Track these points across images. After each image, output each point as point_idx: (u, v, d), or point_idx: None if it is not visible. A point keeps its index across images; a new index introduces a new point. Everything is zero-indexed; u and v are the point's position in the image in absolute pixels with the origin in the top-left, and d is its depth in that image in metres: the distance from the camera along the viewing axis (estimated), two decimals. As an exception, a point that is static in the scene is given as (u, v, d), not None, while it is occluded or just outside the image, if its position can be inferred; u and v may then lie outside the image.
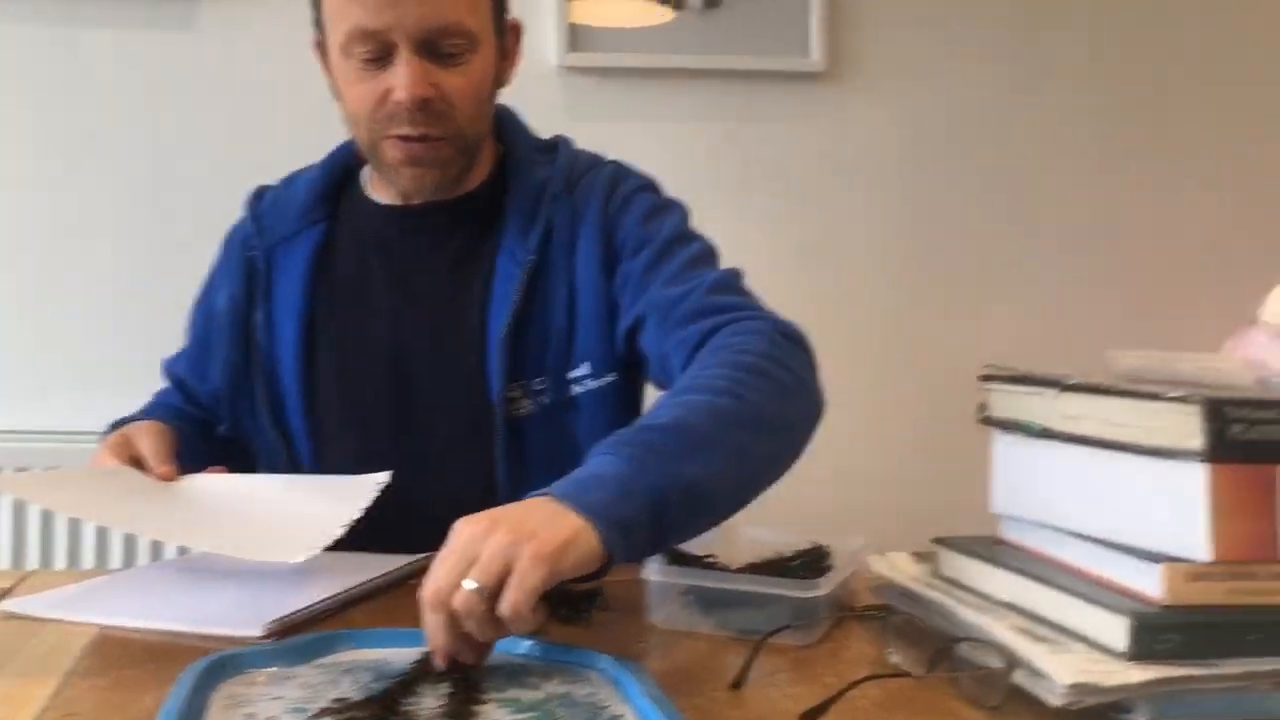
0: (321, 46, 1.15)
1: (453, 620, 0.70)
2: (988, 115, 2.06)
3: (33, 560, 1.93)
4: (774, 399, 0.90)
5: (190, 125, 2.03)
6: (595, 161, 1.24)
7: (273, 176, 1.31)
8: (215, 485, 1.09)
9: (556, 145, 1.25)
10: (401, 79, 1.07)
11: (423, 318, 1.18)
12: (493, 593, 0.69)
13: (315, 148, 1.29)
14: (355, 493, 1.01)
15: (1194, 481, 0.69)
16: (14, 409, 1.98)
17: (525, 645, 0.78)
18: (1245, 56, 2.14)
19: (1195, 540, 0.69)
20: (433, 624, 0.71)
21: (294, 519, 1.01)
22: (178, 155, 2.03)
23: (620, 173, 1.22)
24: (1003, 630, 0.73)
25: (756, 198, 2.00)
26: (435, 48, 1.08)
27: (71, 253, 2.02)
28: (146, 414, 1.24)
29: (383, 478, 1.03)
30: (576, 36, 2.00)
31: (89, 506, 1.06)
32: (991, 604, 0.81)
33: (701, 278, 1.09)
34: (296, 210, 1.24)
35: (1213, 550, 0.69)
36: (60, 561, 1.94)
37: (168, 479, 1.08)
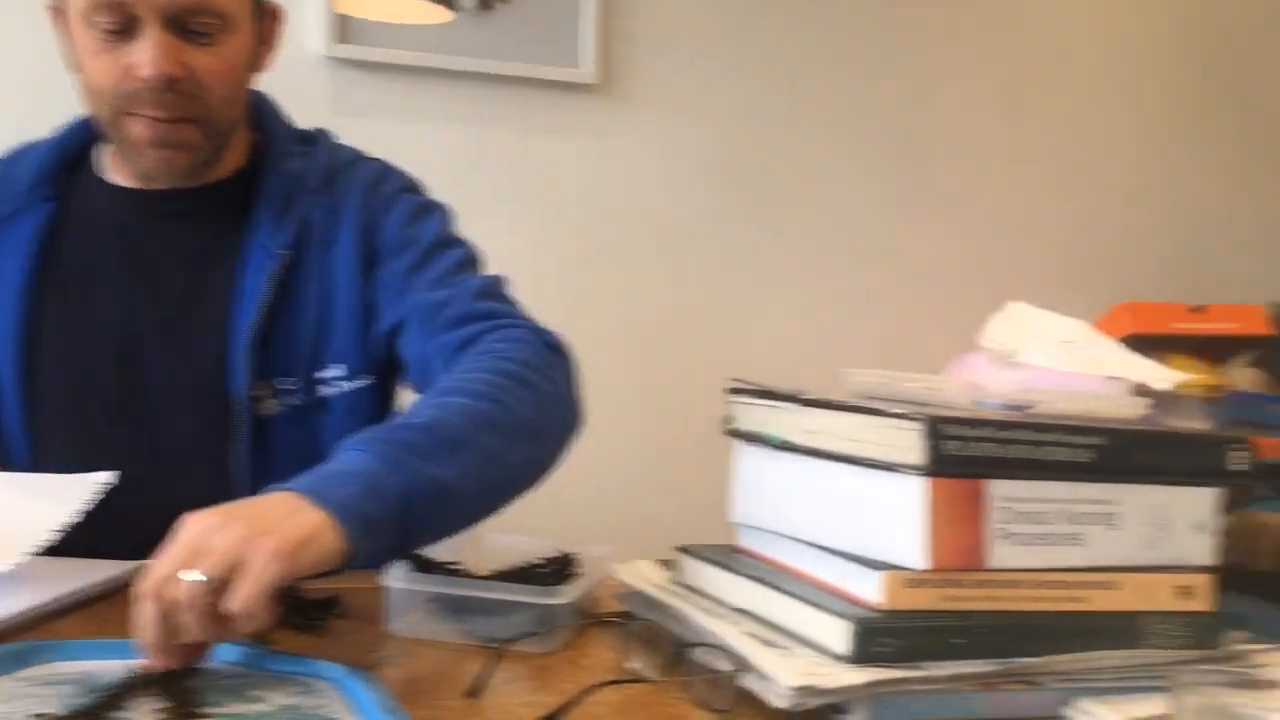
0: (58, 11, 1.07)
1: (169, 614, 0.66)
2: (751, 135, 2.13)
3: None
4: (533, 407, 0.90)
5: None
6: (357, 157, 1.20)
7: (-2, 149, 1.21)
8: None
9: (316, 138, 1.21)
10: (147, 55, 1.00)
11: (160, 309, 1.11)
12: (220, 586, 0.66)
13: (45, 120, 1.19)
14: (73, 493, 0.94)
15: (913, 494, 0.74)
16: None
17: (237, 653, 0.74)
18: (989, 92, 2.31)
19: (913, 549, 0.74)
20: (146, 615, 0.66)
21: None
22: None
23: (383, 171, 1.20)
24: (734, 635, 0.76)
25: (524, 205, 2.00)
26: (185, 25, 1.02)
27: None
28: None
29: (105, 477, 0.96)
30: (344, 27, 1.94)
31: None
32: (727, 610, 0.83)
33: (466, 283, 1.08)
34: (22, 186, 1.14)
35: (928, 559, 0.73)
36: None
37: None
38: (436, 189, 1.22)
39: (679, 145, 2.08)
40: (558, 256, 2.01)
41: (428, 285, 1.07)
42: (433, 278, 1.08)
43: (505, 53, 1.96)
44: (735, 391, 0.94)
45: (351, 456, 0.77)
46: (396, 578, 0.86)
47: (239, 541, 0.67)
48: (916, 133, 2.25)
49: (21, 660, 0.71)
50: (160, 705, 0.65)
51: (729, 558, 0.90)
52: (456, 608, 0.86)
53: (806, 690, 0.67)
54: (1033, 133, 2.35)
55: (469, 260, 1.12)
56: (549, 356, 0.97)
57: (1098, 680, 0.75)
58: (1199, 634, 0.80)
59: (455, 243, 1.14)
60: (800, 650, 0.75)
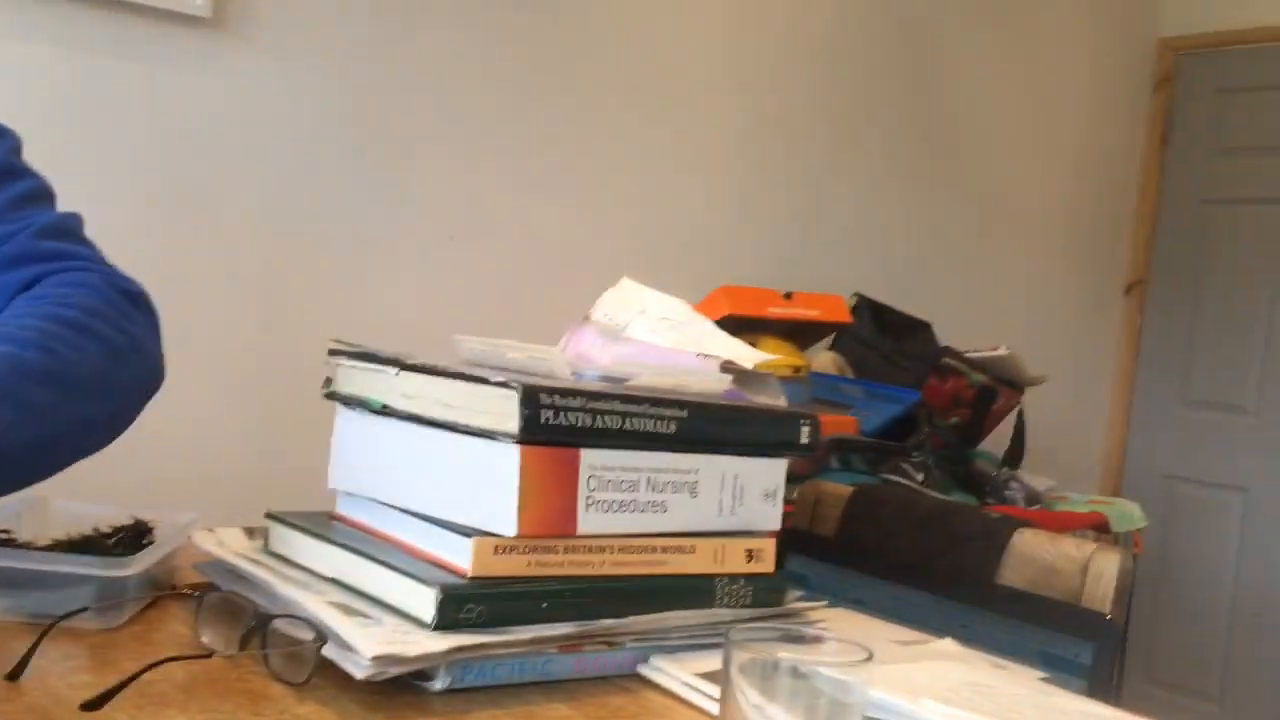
0: None
1: None
2: (377, 93, 2.06)
3: None
4: (95, 358, 0.81)
5: None
6: None
7: None
8: None
9: None
10: None
11: None
12: None
13: None
14: None
15: (508, 461, 0.74)
16: None
17: None
18: (613, 79, 2.38)
19: (505, 516, 0.74)
20: None
21: None
22: None
23: None
24: (318, 605, 0.73)
25: (113, 142, 1.80)
26: None
27: None
28: None
29: None
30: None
31: None
32: (315, 579, 0.80)
33: (30, 219, 0.95)
34: None
35: (518, 525, 0.74)
36: None
37: None
38: (6, 115, 1.08)
39: (298, 94, 1.97)
40: (150, 201, 1.84)
41: (-17, 220, 0.94)
42: (-9, 212, 0.95)
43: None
44: (336, 354, 0.91)
45: None
46: (-72, 549, 0.75)
47: None
48: (543, 109, 2.28)
49: None
50: None
51: (322, 525, 0.87)
52: (3, 581, 0.77)
53: (387, 659, 0.66)
54: (651, 120, 2.45)
55: (37, 194, 1.00)
56: (121, 304, 0.88)
57: (672, 639, 0.80)
58: (765, 593, 0.87)
59: (21, 173, 1.01)
60: (389, 619, 0.73)
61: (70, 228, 0.97)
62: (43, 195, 1.00)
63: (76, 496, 0.96)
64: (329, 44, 2.00)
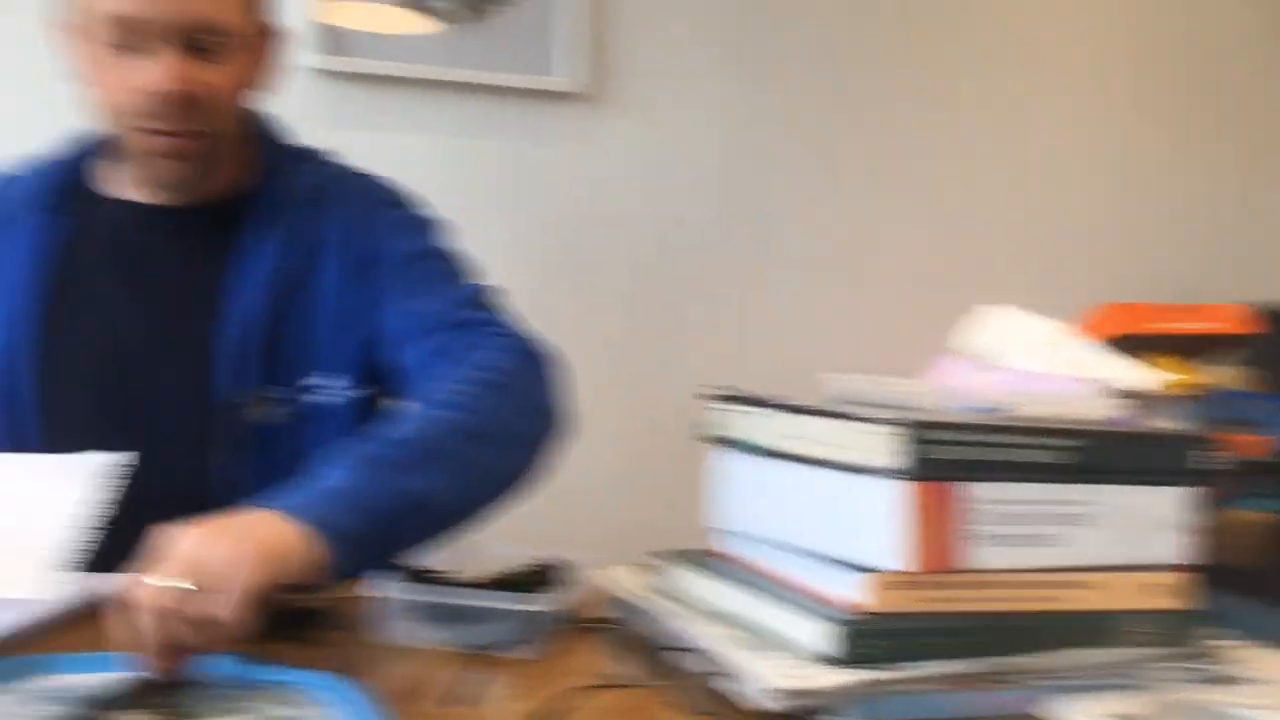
0: (65, 26, 1.08)
1: (161, 622, 0.68)
2: (740, 143, 2.14)
3: None
4: (512, 415, 0.91)
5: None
6: (351, 173, 1.22)
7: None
8: None
9: (313, 153, 1.22)
10: (163, 73, 1.02)
11: (153, 320, 1.12)
12: (207, 594, 0.68)
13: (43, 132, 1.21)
14: (74, 477, 0.93)
15: (895, 497, 0.75)
16: None
17: (226, 665, 0.75)
18: (967, 92, 2.32)
19: (895, 551, 0.75)
20: (139, 625, 0.68)
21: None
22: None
23: (376, 186, 1.21)
24: (717, 638, 0.76)
25: (513, 215, 1.99)
26: (195, 42, 1.04)
27: None
28: None
29: (116, 458, 0.94)
30: (332, 39, 1.94)
31: None
32: (705, 615, 0.84)
33: (451, 292, 1.09)
34: (21, 198, 1.16)
35: (909, 561, 0.74)
36: None
37: None
38: (429, 201, 1.23)
39: (668, 153, 2.09)
40: (545, 265, 2.02)
41: (415, 295, 1.08)
42: (419, 288, 1.09)
43: (493, 62, 1.97)
44: (714, 398, 0.95)
45: (329, 473, 0.79)
46: (383, 587, 0.86)
47: (223, 553, 0.69)
48: (893, 135, 2.26)
49: (13, 674, 0.72)
50: (148, 716, 0.66)
51: (706, 562, 0.91)
52: (441, 615, 0.87)
53: (793, 692, 0.68)
54: (1012, 132, 2.36)
55: (458, 271, 1.13)
56: (530, 363, 0.98)
57: (1072, 678, 0.76)
58: (1173, 631, 0.81)
59: (444, 254, 1.15)
60: (780, 652, 0.75)
61: (485, 298, 1.09)
62: (463, 272, 1.13)
63: (502, 537, 1.06)
64: (694, 105, 2.11)
